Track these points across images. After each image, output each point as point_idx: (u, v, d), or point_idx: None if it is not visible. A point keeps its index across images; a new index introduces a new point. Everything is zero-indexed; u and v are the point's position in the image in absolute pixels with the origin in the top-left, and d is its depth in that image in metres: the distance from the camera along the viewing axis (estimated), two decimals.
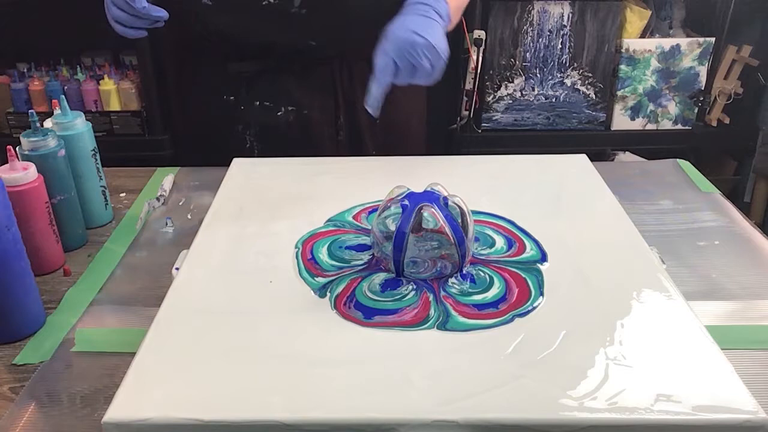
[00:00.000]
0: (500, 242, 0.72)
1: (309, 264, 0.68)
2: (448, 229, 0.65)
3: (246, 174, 0.89)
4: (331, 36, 0.96)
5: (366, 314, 0.60)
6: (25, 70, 1.95)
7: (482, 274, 0.66)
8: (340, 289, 0.64)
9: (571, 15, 1.86)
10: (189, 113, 1.11)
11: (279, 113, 1.02)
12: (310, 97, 1.02)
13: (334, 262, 0.69)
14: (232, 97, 1.03)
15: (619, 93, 1.95)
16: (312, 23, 0.92)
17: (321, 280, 0.66)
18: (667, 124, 2.00)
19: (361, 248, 0.71)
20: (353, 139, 1.05)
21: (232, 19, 0.95)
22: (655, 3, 1.97)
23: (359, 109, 1.00)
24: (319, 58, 0.99)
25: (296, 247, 0.71)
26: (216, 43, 0.99)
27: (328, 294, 0.64)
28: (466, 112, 1.90)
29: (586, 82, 1.93)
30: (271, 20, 0.94)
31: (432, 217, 0.66)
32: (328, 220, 0.77)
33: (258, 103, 1.02)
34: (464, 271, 0.66)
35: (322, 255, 0.70)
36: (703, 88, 1.94)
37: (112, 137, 1.93)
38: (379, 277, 0.66)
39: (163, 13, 0.84)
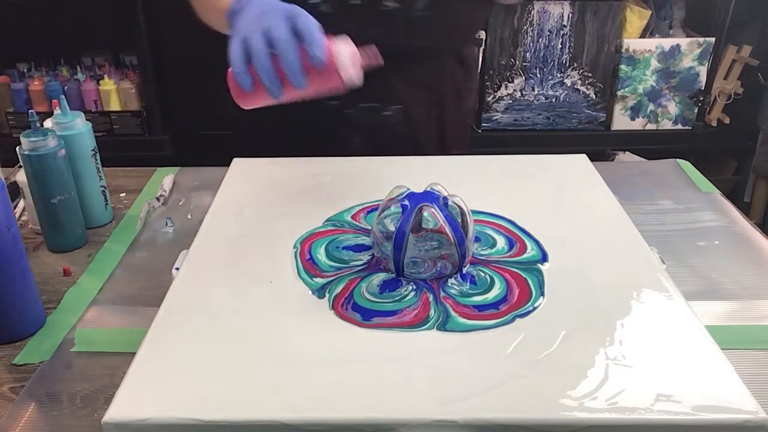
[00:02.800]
0: (501, 242, 0.72)
1: (308, 264, 0.68)
2: (448, 229, 0.65)
3: (246, 174, 0.89)
4: (441, 36, 0.98)
5: (364, 315, 0.60)
6: (25, 70, 1.96)
7: (483, 274, 0.66)
8: (338, 290, 0.64)
9: (571, 15, 1.86)
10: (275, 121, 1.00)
11: (386, 113, 0.99)
12: (415, 94, 1.01)
13: (332, 263, 0.68)
14: (335, 102, 0.91)
15: (619, 93, 1.95)
16: (431, 25, 0.93)
17: (320, 280, 0.66)
18: (667, 124, 2.00)
19: (359, 248, 0.71)
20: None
21: (351, 25, 0.89)
22: (655, 3, 1.97)
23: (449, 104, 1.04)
24: (419, 57, 0.99)
25: (295, 247, 0.71)
26: None
27: (327, 295, 0.64)
28: None
29: (586, 82, 1.93)
30: (389, 23, 0.93)
31: (432, 217, 0.66)
32: (327, 220, 0.77)
33: (363, 104, 0.98)
34: (464, 272, 0.66)
35: (320, 255, 0.70)
36: (703, 88, 1.95)
37: (112, 137, 1.93)
38: (378, 278, 0.66)
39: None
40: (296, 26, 0.68)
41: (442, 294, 0.63)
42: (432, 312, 0.61)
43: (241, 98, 0.73)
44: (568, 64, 1.92)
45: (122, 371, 0.54)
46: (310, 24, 0.69)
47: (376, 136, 0.99)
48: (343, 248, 0.71)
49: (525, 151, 0.96)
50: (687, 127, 2.00)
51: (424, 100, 1.02)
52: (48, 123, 0.88)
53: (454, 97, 1.04)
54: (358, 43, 0.77)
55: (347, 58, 0.69)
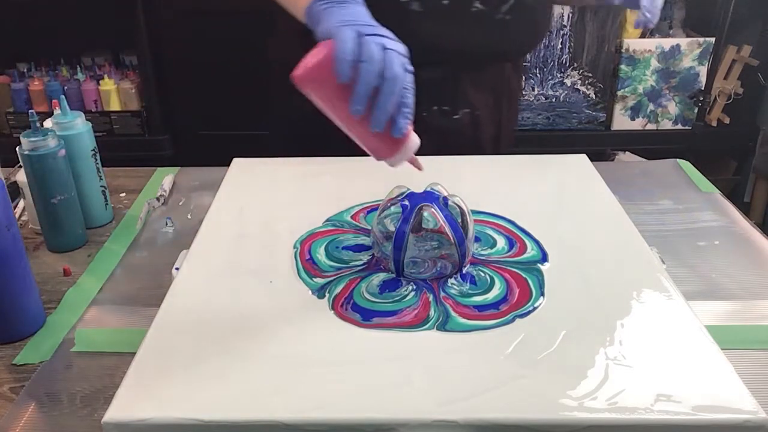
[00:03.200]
0: (501, 242, 0.72)
1: (307, 264, 0.68)
2: (448, 229, 0.65)
3: (246, 174, 0.89)
4: (519, 40, 0.99)
5: (364, 316, 0.60)
6: (25, 70, 1.95)
7: (483, 274, 0.66)
8: (338, 290, 0.64)
9: (571, 15, 1.86)
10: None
11: (456, 116, 1.00)
12: (482, 97, 1.02)
13: (332, 263, 0.68)
14: None
15: (619, 93, 1.95)
16: (511, 28, 0.94)
17: (319, 280, 0.66)
18: (667, 124, 2.00)
19: (359, 248, 0.71)
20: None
21: (440, 25, 0.92)
22: None
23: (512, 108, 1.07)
24: (489, 60, 1.00)
25: (295, 247, 0.71)
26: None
27: (327, 295, 0.64)
28: None
29: (586, 82, 1.93)
30: (472, 25, 0.93)
31: (432, 217, 0.66)
32: (327, 220, 0.77)
33: (436, 107, 0.99)
34: (464, 272, 0.66)
35: (320, 255, 0.70)
36: (703, 88, 1.94)
37: (112, 137, 1.93)
38: (378, 278, 0.66)
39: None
40: (404, 89, 0.66)
41: (442, 294, 0.63)
42: (432, 312, 0.61)
43: (311, 74, 0.65)
44: (568, 64, 1.91)
45: (122, 371, 0.54)
46: (411, 94, 0.67)
47: (445, 139, 0.98)
48: (343, 248, 0.71)
49: (525, 151, 0.96)
50: (687, 127, 2.00)
51: (488, 102, 1.03)
52: (48, 123, 0.88)
53: (508, 99, 1.06)
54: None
55: (412, 149, 0.69)
